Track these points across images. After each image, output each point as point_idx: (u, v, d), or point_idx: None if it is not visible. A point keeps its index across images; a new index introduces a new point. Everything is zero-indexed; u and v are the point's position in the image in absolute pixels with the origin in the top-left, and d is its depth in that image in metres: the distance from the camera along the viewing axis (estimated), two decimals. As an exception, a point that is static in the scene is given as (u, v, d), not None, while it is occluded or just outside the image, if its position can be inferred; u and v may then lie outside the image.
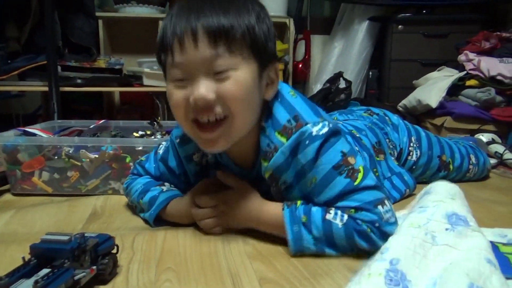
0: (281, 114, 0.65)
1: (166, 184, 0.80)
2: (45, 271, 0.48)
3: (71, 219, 0.81)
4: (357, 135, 0.87)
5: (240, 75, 0.59)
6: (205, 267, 0.59)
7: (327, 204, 0.63)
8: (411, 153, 1.00)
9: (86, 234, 0.54)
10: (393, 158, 0.95)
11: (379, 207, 0.59)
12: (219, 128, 0.61)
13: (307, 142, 0.62)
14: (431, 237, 0.51)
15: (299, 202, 0.65)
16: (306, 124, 0.62)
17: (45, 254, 0.50)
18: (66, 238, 0.51)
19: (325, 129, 0.62)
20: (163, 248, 0.65)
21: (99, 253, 0.53)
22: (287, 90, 0.68)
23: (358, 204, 0.60)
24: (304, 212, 0.62)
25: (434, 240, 0.50)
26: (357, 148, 0.81)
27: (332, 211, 0.61)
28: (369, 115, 1.02)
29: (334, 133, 0.63)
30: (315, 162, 0.62)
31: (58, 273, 0.47)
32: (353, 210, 0.60)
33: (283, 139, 0.63)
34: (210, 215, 0.69)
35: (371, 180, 0.62)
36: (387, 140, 0.95)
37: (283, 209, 0.64)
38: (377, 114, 1.03)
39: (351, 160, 0.63)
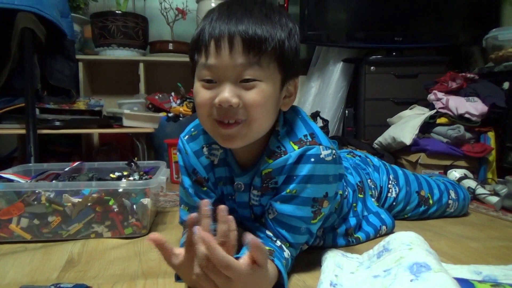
0: (300, 130, 0.71)
1: None
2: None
3: (46, 267, 0.78)
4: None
5: (264, 86, 0.63)
6: (185, 316, 0.58)
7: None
8: (390, 190, 1.05)
9: (61, 285, 0.53)
10: (373, 199, 0.99)
11: (302, 246, 0.74)
12: (237, 125, 0.65)
13: (312, 159, 0.67)
14: None
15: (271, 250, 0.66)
16: (320, 144, 0.68)
17: (18, 309, 0.49)
18: (41, 290, 0.49)
19: (330, 158, 0.68)
20: (142, 297, 0.64)
21: (75, 305, 0.52)
22: (305, 114, 0.76)
23: (293, 242, 0.70)
24: (283, 258, 0.67)
25: None
26: (345, 184, 0.89)
27: (284, 246, 0.69)
28: (352, 157, 1.08)
29: (340, 176, 0.71)
30: (305, 181, 0.67)
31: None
32: (288, 244, 0.70)
33: (295, 147, 0.69)
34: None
35: (315, 227, 0.72)
36: (369, 180, 1.01)
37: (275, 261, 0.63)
38: (359, 156, 1.09)
39: (325, 204, 0.70)
